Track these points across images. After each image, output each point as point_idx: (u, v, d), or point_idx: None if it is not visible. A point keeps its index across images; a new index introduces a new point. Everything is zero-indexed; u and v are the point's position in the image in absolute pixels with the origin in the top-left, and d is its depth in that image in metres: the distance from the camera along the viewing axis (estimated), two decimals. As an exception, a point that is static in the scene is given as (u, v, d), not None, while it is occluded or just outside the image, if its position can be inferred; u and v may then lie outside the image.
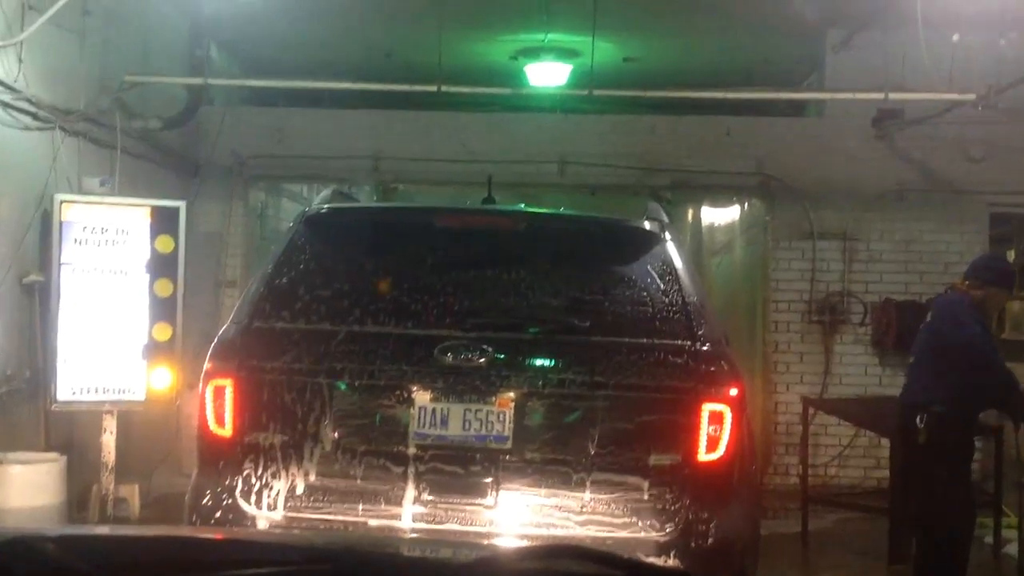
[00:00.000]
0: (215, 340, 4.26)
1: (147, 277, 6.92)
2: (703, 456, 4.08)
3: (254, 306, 4.25)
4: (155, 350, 6.92)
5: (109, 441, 6.86)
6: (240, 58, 10.46)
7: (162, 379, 6.93)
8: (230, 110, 9.58)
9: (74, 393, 6.71)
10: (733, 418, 4.09)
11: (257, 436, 4.07)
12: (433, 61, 8.37)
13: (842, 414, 8.48)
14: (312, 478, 4.07)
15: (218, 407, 4.10)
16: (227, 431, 4.10)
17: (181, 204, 7.04)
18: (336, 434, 4.08)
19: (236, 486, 4.06)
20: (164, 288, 6.95)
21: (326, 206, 4.73)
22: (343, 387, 4.12)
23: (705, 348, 4.19)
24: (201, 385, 4.19)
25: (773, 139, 9.72)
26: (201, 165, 9.46)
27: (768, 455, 9.41)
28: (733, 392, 4.13)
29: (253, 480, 4.05)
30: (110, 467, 6.83)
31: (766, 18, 9.35)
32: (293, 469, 4.06)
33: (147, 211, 6.93)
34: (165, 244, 6.97)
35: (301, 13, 9.36)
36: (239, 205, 9.59)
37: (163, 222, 6.97)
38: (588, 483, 4.04)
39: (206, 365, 4.17)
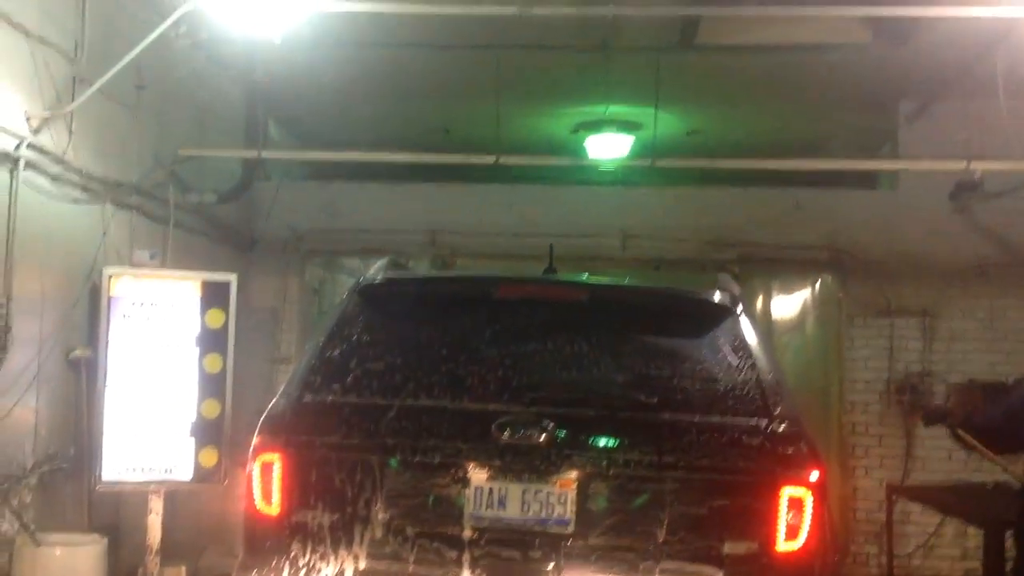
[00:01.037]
0: (264, 414, 4.15)
1: (196, 352, 6.69)
2: (782, 545, 3.83)
3: (304, 379, 4.13)
4: (203, 428, 6.66)
5: (155, 522, 6.59)
6: (297, 135, 10.40)
7: (210, 457, 6.66)
8: (285, 184, 9.48)
9: (120, 472, 6.45)
10: (814, 504, 3.84)
11: (305, 515, 3.92)
12: (491, 136, 8.21)
13: (931, 502, 7.93)
14: (362, 562, 3.90)
15: (265, 484, 3.97)
16: (274, 509, 3.96)
17: (232, 277, 6.83)
18: (387, 515, 3.92)
19: (283, 569, 3.92)
20: (214, 363, 6.72)
21: (380, 275, 4.59)
22: (395, 465, 3.95)
23: (783, 427, 3.96)
24: (249, 461, 4.06)
25: (845, 212, 9.35)
26: (256, 240, 9.32)
27: (847, 544, 8.87)
28: (814, 476, 3.88)
29: (300, 563, 3.90)
30: (155, 549, 6.55)
31: (835, 90, 9.08)
32: (342, 551, 3.91)
33: (197, 284, 6.73)
34: (215, 318, 6.75)
35: (358, 91, 9.29)
36: (294, 280, 9.42)
37: (214, 296, 6.76)
38: (657, 572, 3.82)
39: (254, 440, 4.05)
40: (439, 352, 4.17)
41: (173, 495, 6.79)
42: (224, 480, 6.74)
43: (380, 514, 3.89)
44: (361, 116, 9.98)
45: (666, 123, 9.42)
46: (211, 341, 6.72)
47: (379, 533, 3.89)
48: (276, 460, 3.97)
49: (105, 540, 5.92)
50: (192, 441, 6.62)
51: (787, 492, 3.84)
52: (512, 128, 9.32)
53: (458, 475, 3.92)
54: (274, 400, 4.18)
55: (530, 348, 4.19)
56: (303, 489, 3.94)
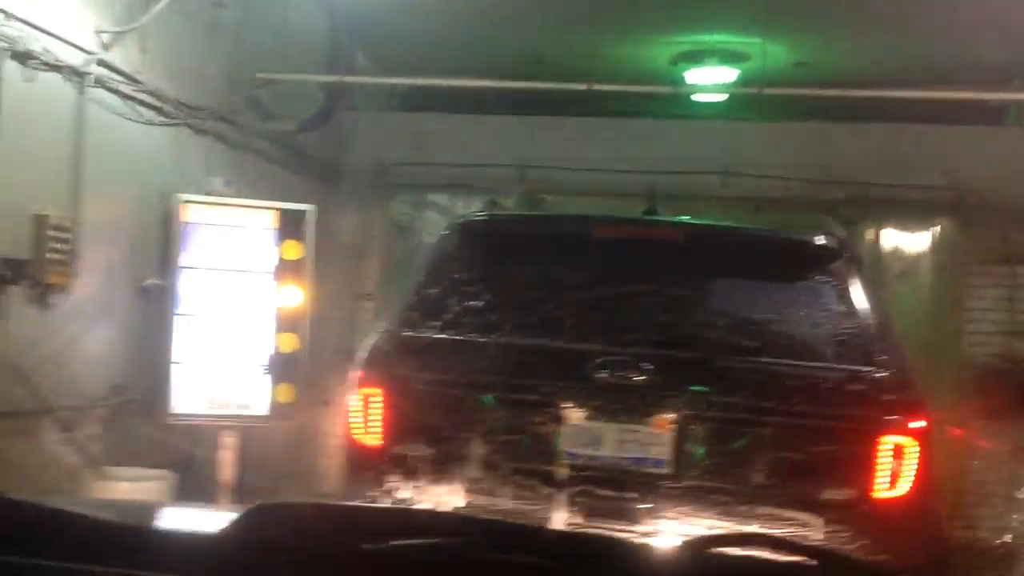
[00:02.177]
0: (367, 348, 4.18)
1: (273, 284, 6.40)
2: (883, 494, 3.78)
3: (404, 315, 4.20)
4: (280, 363, 6.40)
5: (227, 459, 6.37)
6: (384, 64, 9.98)
7: (286, 394, 6.40)
8: (371, 115, 9.12)
9: (192, 407, 6.24)
10: (920, 453, 3.77)
11: (404, 448, 3.98)
12: (585, 67, 7.74)
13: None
14: (459, 496, 3.89)
15: (368, 416, 4.05)
16: (375, 441, 4.04)
17: (310, 207, 6.51)
18: (484, 450, 3.93)
19: (382, 499, 3.94)
20: (291, 297, 6.43)
21: (482, 213, 4.68)
22: (492, 402, 3.99)
23: (887, 375, 3.89)
24: (350, 394, 4.11)
25: (966, 151, 8.66)
26: (340, 172, 9.00)
27: (957, 507, 8.29)
28: (919, 424, 3.81)
29: (399, 494, 3.93)
30: (228, 487, 6.33)
31: (958, 17, 8.34)
32: (440, 485, 3.92)
33: (274, 214, 6.43)
34: (292, 250, 6.44)
35: (447, 17, 8.86)
36: (378, 215, 9.10)
37: (291, 227, 6.45)
38: (754, 517, 3.75)
39: (357, 373, 4.10)
40: (537, 291, 4.15)
41: (247, 432, 6.55)
42: (300, 418, 6.47)
43: (477, 450, 3.90)
44: (451, 45, 9.53)
45: (774, 54, 8.78)
46: (288, 274, 6.43)
47: (476, 468, 3.89)
48: (378, 393, 4.02)
49: (174, 476, 5.70)
50: (268, 377, 6.35)
51: (889, 440, 3.76)
52: (606, 58, 8.83)
53: (554, 414, 3.91)
54: (377, 335, 4.20)
55: (629, 289, 4.11)
56: (402, 423, 4.00)
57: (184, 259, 6.21)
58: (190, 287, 6.21)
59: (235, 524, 1.54)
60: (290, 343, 6.38)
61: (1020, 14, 8.16)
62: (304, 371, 6.47)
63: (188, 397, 6.22)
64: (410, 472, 3.94)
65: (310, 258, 6.43)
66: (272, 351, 6.35)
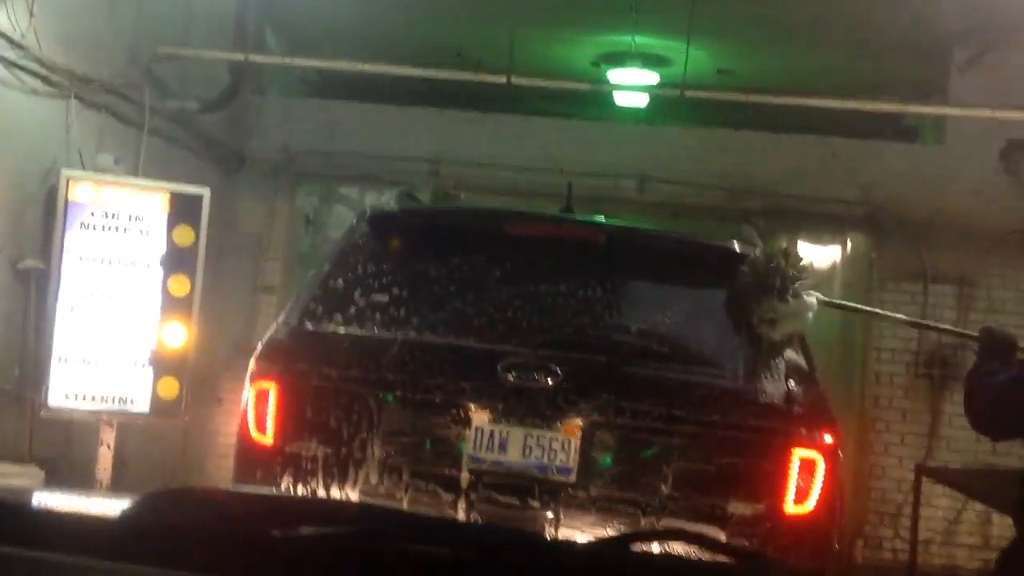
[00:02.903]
0: (263, 340, 4.03)
1: (161, 272, 6.03)
2: (790, 508, 3.73)
3: (305, 307, 4.01)
4: (164, 356, 6.02)
5: (106, 456, 5.98)
6: (297, 50, 9.61)
7: (170, 389, 6.02)
8: (280, 101, 8.77)
9: (68, 399, 5.83)
10: (827, 467, 3.73)
11: (299, 447, 3.82)
12: (506, 63, 7.51)
13: (959, 485, 7.28)
14: (354, 498, 3.76)
15: (260, 412, 3.87)
16: (268, 439, 3.86)
17: (204, 191, 6.15)
18: (383, 452, 3.79)
19: None
20: (180, 286, 6.06)
21: (392, 205, 4.53)
22: (394, 401, 3.82)
23: (798, 388, 3.85)
24: (245, 388, 3.94)
25: (883, 166, 8.61)
26: (244, 158, 8.62)
27: (859, 524, 8.24)
28: (828, 439, 3.78)
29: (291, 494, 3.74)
30: (105, 485, 5.93)
31: (880, 33, 8.31)
32: (334, 487, 3.79)
33: (166, 196, 6.05)
34: (184, 236, 6.08)
35: (365, 3, 8.55)
36: (284, 205, 8.73)
37: (184, 211, 6.08)
38: (658, 528, 3.63)
39: (251, 366, 3.93)
40: (447, 288, 4.02)
41: (129, 429, 6.16)
42: (184, 415, 6.10)
43: (376, 451, 3.77)
44: (368, 33, 9.22)
45: (696, 60, 8.64)
46: (178, 260, 6.06)
47: (373, 470, 3.78)
48: (272, 388, 3.85)
49: (42, 473, 5.29)
50: (151, 370, 5.97)
51: (799, 453, 3.72)
52: (527, 55, 8.57)
53: (459, 415, 3.78)
54: (274, 327, 4.05)
55: (542, 289, 4.03)
56: (298, 420, 3.83)
57: (67, 240, 5.80)
58: (72, 270, 5.80)
59: (142, 506, 1.52)
60: (176, 335, 5.99)
61: (940, 32, 8.16)
62: (190, 365, 6.07)
63: (65, 389, 5.81)
64: (302, 473, 3.79)
65: (203, 245, 6.07)
66: (155, 343, 5.95)
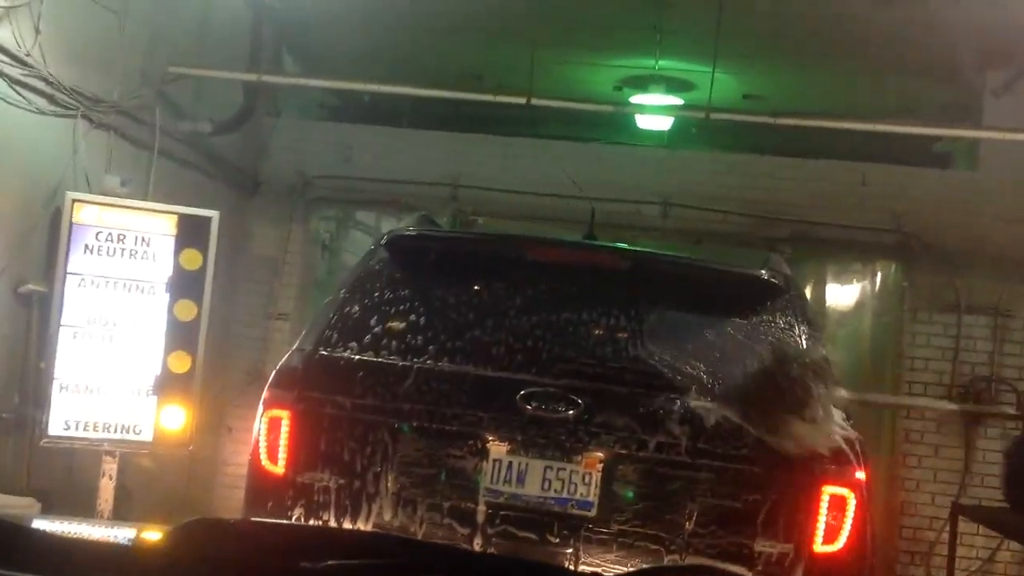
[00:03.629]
0: (277, 367, 3.94)
1: (167, 297, 5.85)
2: (819, 547, 3.59)
3: (321, 334, 3.91)
4: (169, 383, 5.83)
5: (107, 487, 5.78)
6: (314, 71, 9.50)
7: (175, 418, 5.83)
8: (296, 124, 8.62)
9: (69, 427, 5.64)
10: (857, 505, 3.60)
11: (311, 477, 3.72)
12: (527, 86, 7.33)
13: (995, 524, 6.97)
14: (368, 529, 3.65)
15: (272, 441, 3.78)
16: (279, 468, 3.76)
17: (213, 214, 5.97)
18: (398, 484, 3.70)
19: None
20: (186, 311, 5.87)
21: (412, 229, 4.44)
22: (410, 431, 3.72)
23: (829, 423, 3.69)
24: (258, 416, 3.85)
25: (915, 193, 8.35)
26: (259, 182, 8.46)
27: (891, 563, 7.93)
28: (859, 475, 3.63)
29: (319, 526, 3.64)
30: (106, 518, 5.72)
31: (911, 57, 8.09)
32: (347, 519, 3.68)
33: (173, 219, 5.88)
34: (192, 260, 5.90)
35: (384, 28, 8.40)
36: (299, 230, 8.55)
37: (192, 234, 5.91)
38: (682, 565, 3.56)
39: (264, 394, 3.85)
40: (466, 315, 3.92)
41: (131, 459, 5.96)
42: (190, 445, 5.90)
43: (390, 483, 3.69)
44: (387, 57, 9.07)
45: (722, 84, 8.43)
46: (185, 285, 5.88)
47: (388, 503, 3.69)
48: (284, 417, 3.77)
49: (38, 505, 5.09)
50: (155, 398, 5.78)
51: (828, 491, 3.60)
52: (548, 78, 8.41)
53: (476, 446, 3.68)
54: (288, 353, 3.97)
55: (564, 317, 3.91)
56: (311, 450, 3.74)
57: (71, 263, 5.63)
58: (75, 294, 5.63)
59: (174, 537, 1.52)
60: (182, 362, 5.81)
61: (972, 55, 7.93)
62: (196, 393, 5.88)
63: (66, 416, 5.62)
64: (314, 504, 3.70)
65: (211, 269, 5.89)
66: (160, 370, 5.77)
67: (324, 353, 3.85)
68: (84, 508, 5.78)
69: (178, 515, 6.63)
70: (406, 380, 3.73)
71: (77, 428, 5.66)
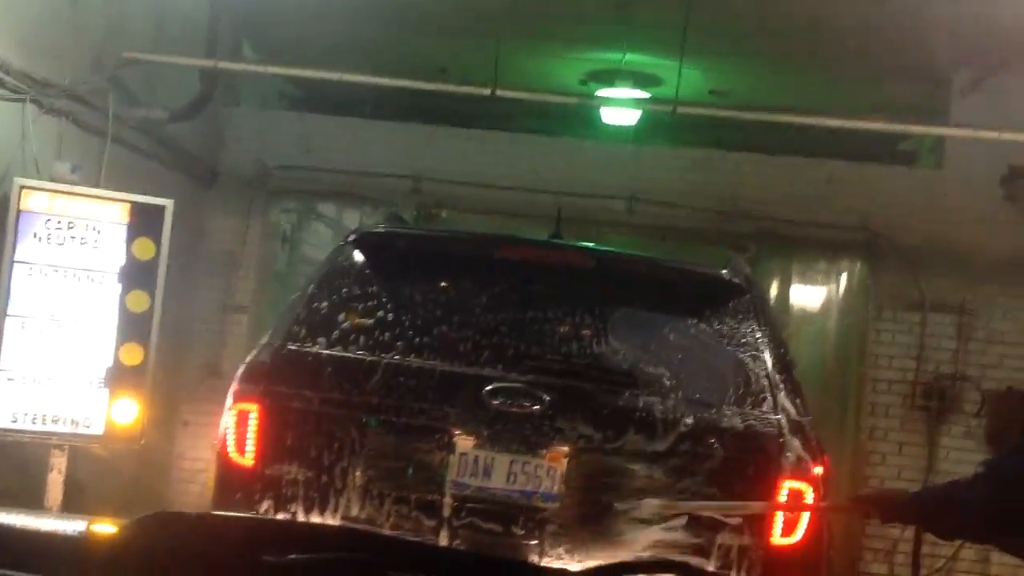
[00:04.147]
0: (246, 361, 4.01)
1: (119, 287, 5.69)
2: (777, 540, 3.73)
3: (289, 329, 4.00)
4: (120, 376, 5.67)
5: (56, 482, 5.62)
6: (276, 61, 9.35)
7: (126, 411, 5.67)
8: (256, 113, 8.47)
9: (16, 420, 5.48)
10: (815, 499, 3.75)
11: (280, 470, 3.80)
12: (492, 79, 7.22)
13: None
14: (335, 522, 3.73)
15: (240, 434, 3.85)
16: (248, 460, 3.84)
17: (167, 202, 5.81)
18: (365, 476, 3.78)
19: None
20: (138, 302, 5.71)
21: (379, 227, 4.57)
22: (377, 424, 3.80)
23: (787, 419, 3.82)
24: (226, 408, 3.93)
25: (881, 191, 8.32)
26: (217, 172, 8.30)
27: (854, 561, 7.90)
28: (817, 470, 3.76)
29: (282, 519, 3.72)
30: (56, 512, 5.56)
31: (879, 56, 8.07)
32: (315, 511, 3.76)
33: (125, 207, 5.72)
34: (145, 249, 5.74)
35: (346, 18, 8.27)
36: (258, 221, 8.39)
37: (145, 223, 5.75)
38: (644, 557, 3.63)
39: (233, 387, 3.93)
40: (433, 311, 4.00)
41: (83, 453, 5.80)
42: (142, 439, 5.75)
43: (358, 475, 3.76)
44: (350, 49, 8.93)
45: (689, 80, 8.38)
46: (137, 275, 5.72)
47: (355, 495, 3.76)
48: (253, 410, 3.83)
49: (-20, 501, 4.93)
50: (105, 391, 5.62)
51: (786, 485, 3.71)
52: (514, 72, 8.30)
53: (443, 440, 3.76)
54: (257, 347, 4.05)
55: (530, 314, 4.02)
56: (279, 442, 3.82)
57: (18, 251, 5.47)
58: (23, 283, 5.47)
59: (132, 530, 1.51)
60: (134, 354, 5.65)
61: (940, 55, 7.92)
62: (148, 386, 5.72)
63: (13, 410, 5.46)
64: (283, 496, 3.78)
65: (164, 259, 5.73)
66: (111, 362, 5.61)
67: (292, 348, 3.91)
68: (33, 504, 5.61)
69: (132, 510, 6.48)
70: (373, 375, 3.80)
71: (25, 421, 5.50)
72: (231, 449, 3.88)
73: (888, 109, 9.06)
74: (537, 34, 8.46)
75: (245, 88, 8.71)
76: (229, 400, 3.93)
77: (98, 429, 5.65)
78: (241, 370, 3.99)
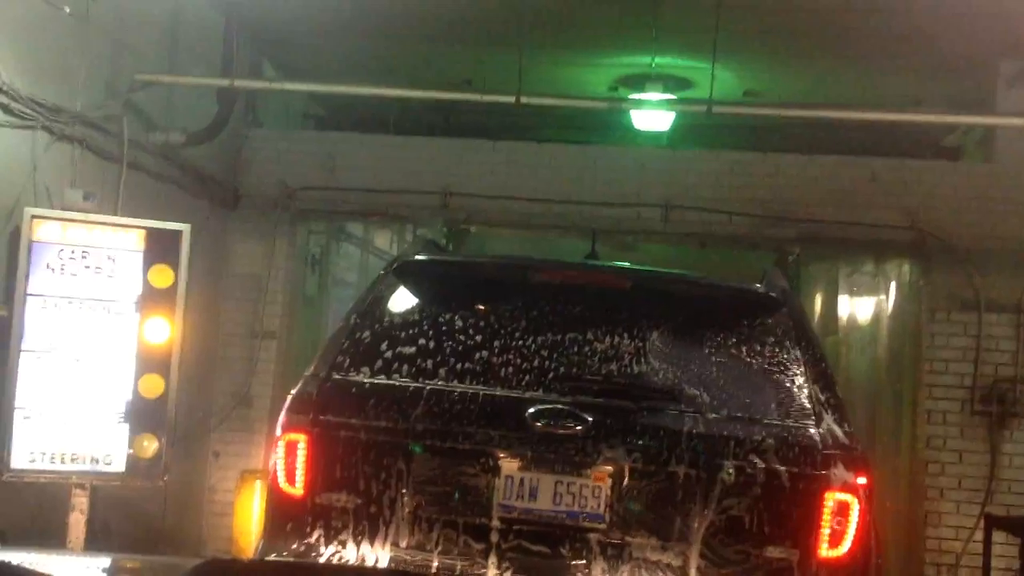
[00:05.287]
0: (292, 392, 4.04)
1: (136, 316, 5.48)
2: (825, 552, 3.73)
3: (334, 358, 4.06)
4: (141, 410, 5.45)
5: (79, 522, 5.41)
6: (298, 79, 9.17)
7: (147, 447, 5.45)
8: (278, 134, 8.27)
9: (34, 459, 5.28)
10: (860, 510, 3.74)
11: (329, 498, 3.87)
12: (518, 89, 6.98)
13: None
14: (385, 549, 3.82)
15: (290, 464, 3.91)
16: (298, 490, 3.90)
17: (184, 227, 5.60)
18: (414, 502, 3.83)
19: (303, 552, 3.85)
20: (157, 331, 5.50)
21: (419, 255, 4.56)
22: (423, 450, 3.86)
23: (829, 431, 3.86)
24: (276, 440, 3.98)
25: (929, 187, 7.98)
26: (240, 195, 8.10)
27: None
28: (861, 481, 3.78)
29: (322, 548, 3.84)
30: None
31: (919, 48, 7.73)
32: (365, 538, 3.82)
33: (140, 234, 5.51)
34: (162, 276, 5.53)
35: (369, 34, 8.06)
36: (284, 244, 8.17)
37: (161, 249, 5.54)
38: (692, 574, 3.72)
39: (281, 418, 3.98)
40: (475, 337, 4.07)
41: (105, 491, 5.59)
42: (165, 475, 5.52)
43: (406, 501, 3.83)
44: (373, 65, 8.72)
45: (722, 81, 8.07)
46: (156, 304, 5.51)
47: (404, 521, 3.83)
48: (301, 440, 3.91)
49: (-2, 545, 4.72)
50: (125, 426, 5.40)
51: (832, 497, 3.74)
52: (541, 80, 8.07)
53: (488, 464, 3.82)
54: (303, 378, 4.07)
55: (570, 336, 4.07)
56: (328, 471, 3.88)
57: (32, 284, 5.28)
58: (38, 317, 5.27)
59: None
60: (154, 386, 5.43)
61: (984, 45, 7.58)
62: (170, 420, 5.50)
63: (31, 449, 5.26)
64: (333, 524, 3.85)
65: (182, 286, 5.51)
66: (131, 395, 5.39)
67: (337, 377, 3.99)
68: (56, 547, 5.40)
69: (160, 549, 6.25)
70: (418, 402, 3.87)
71: (43, 460, 5.30)
72: (281, 479, 3.94)
73: (929, 103, 8.73)
74: (563, 41, 8.22)
75: (267, 109, 8.52)
76: (278, 431, 4.01)
77: (119, 466, 5.43)
78: (288, 401, 4.05)
